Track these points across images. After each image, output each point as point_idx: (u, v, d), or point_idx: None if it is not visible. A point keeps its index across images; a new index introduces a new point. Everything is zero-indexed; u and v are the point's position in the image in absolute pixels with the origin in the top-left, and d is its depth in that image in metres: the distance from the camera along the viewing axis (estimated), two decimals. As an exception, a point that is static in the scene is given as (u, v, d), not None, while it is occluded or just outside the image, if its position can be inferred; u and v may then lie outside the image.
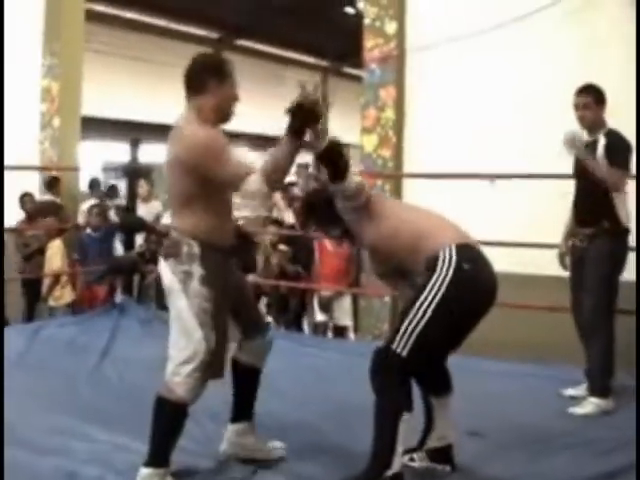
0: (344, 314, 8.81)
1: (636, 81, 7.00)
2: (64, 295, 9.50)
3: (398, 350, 3.86)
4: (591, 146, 5.64)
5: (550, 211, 6.69)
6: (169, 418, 3.96)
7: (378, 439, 3.91)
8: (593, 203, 5.67)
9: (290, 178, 12.07)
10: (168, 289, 3.99)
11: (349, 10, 21.01)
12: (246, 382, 4.42)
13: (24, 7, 11.07)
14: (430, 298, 3.87)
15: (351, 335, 8.85)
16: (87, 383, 5.99)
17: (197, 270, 3.90)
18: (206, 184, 3.86)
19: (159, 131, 19.36)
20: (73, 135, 11.13)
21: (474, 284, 3.96)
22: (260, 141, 22.85)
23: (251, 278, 9.21)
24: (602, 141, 5.61)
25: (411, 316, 3.88)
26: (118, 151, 14.54)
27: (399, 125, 8.35)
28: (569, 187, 5.95)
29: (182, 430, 4.02)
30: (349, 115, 20.89)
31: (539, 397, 5.82)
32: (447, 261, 3.91)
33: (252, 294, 4.75)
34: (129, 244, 8.81)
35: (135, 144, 8.49)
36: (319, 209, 4.44)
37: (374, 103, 8.45)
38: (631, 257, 5.96)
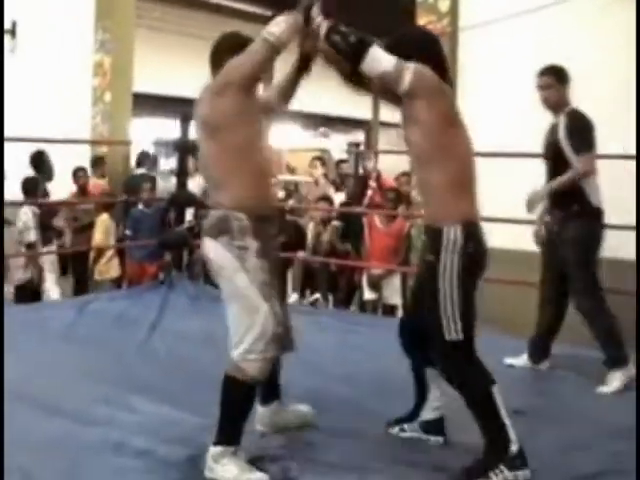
0: (393, 293, 8.78)
1: (636, 81, 6.96)
2: (109, 270, 9.56)
3: (454, 337, 3.83)
4: (554, 128, 5.66)
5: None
6: (241, 398, 3.90)
7: (485, 426, 3.86)
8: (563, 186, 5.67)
9: (340, 155, 12.10)
10: (220, 267, 3.91)
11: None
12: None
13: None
14: (449, 283, 3.82)
15: (400, 314, 8.82)
16: (135, 356, 5.97)
17: (252, 244, 3.84)
18: (232, 127, 3.85)
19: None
20: (124, 110, 11.20)
21: (478, 259, 3.95)
22: (312, 120, 22.85)
23: (300, 255, 9.25)
24: (562, 122, 5.61)
25: (443, 303, 3.83)
26: (169, 128, 14.55)
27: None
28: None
29: (252, 408, 4.00)
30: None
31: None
32: (452, 243, 3.84)
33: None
34: (179, 219, 8.81)
35: (186, 120, 8.46)
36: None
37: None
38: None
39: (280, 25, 3.89)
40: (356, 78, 4.08)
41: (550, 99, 5.74)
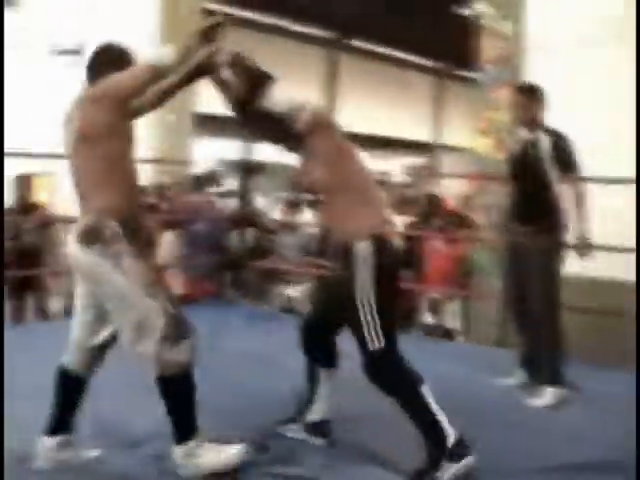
0: (453, 317, 8.72)
1: (636, 82, 7.12)
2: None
3: (377, 345, 4.04)
4: (531, 143, 5.77)
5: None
6: (181, 389, 3.95)
7: (420, 424, 4.02)
8: (531, 203, 5.79)
9: (400, 178, 12.08)
10: (92, 272, 3.91)
11: (463, 10, 20.82)
12: None
13: (140, 5, 11.25)
14: (366, 296, 4.03)
15: (460, 338, 8.75)
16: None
17: (125, 248, 3.86)
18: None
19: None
20: (186, 131, 11.26)
21: (389, 270, 4.15)
22: (372, 142, 22.85)
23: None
24: (545, 140, 5.72)
25: (362, 313, 4.04)
26: (231, 149, 14.66)
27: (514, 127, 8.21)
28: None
29: (195, 391, 4.02)
30: (465, 117, 20.78)
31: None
32: (363, 258, 4.07)
33: None
34: (240, 239, 8.85)
35: (249, 141, 8.52)
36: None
37: (488, 105, 8.34)
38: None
39: (169, 52, 4.00)
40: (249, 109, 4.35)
41: (522, 117, 5.93)
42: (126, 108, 4.00)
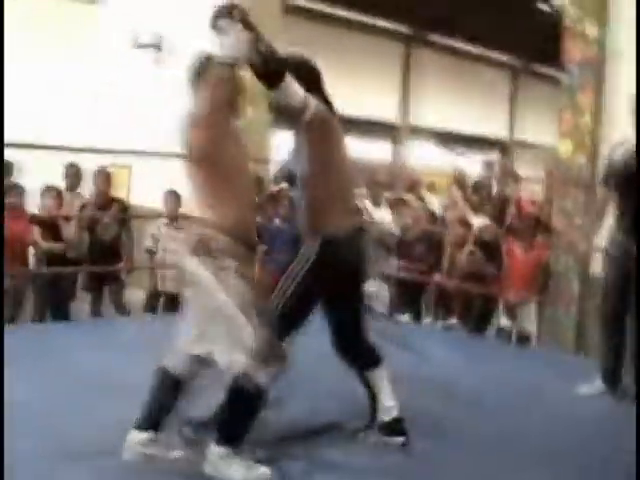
0: (529, 321, 8.65)
1: (636, 82, 7.07)
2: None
3: None
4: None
5: None
6: (247, 404, 3.99)
7: None
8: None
9: (476, 177, 11.96)
10: (197, 283, 4.01)
11: (544, 7, 20.59)
12: None
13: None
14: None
15: (533, 343, 8.68)
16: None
17: (231, 264, 3.94)
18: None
19: (352, 125, 19.27)
20: (265, 126, 11.25)
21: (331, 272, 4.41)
22: (446, 138, 22.72)
23: (436, 277, 9.17)
24: None
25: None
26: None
27: (596, 132, 8.13)
28: None
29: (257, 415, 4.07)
30: (541, 115, 20.60)
31: None
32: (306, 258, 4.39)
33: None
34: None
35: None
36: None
37: (571, 108, 8.25)
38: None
39: (231, 43, 4.01)
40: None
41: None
42: (227, 119, 4.06)
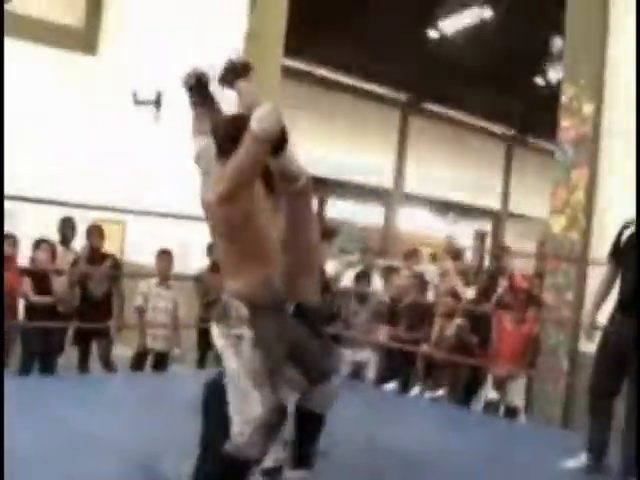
0: (517, 395, 8.63)
1: (636, 81, 7.23)
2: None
3: None
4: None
5: None
6: (232, 473, 3.98)
7: None
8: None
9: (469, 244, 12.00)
10: (219, 351, 4.05)
11: (538, 81, 20.87)
12: (309, 428, 4.47)
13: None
14: None
15: (522, 417, 8.65)
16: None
17: (247, 333, 3.94)
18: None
19: (347, 189, 19.39)
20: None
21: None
22: (443, 206, 22.84)
23: (424, 348, 9.16)
24: None
25: None
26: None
27: (589, 209, 8.18)
28: None
29: None
30: (535, 188, 20.74)
31: None
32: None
33: (310, 339, 4.62)
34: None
35: (321, 202, 8.56)
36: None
37: (565, 184, 8.31)
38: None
39: (268, 118, 3.92)
40: None
41: None
42: (251, 190, 4.00)
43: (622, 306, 5.89)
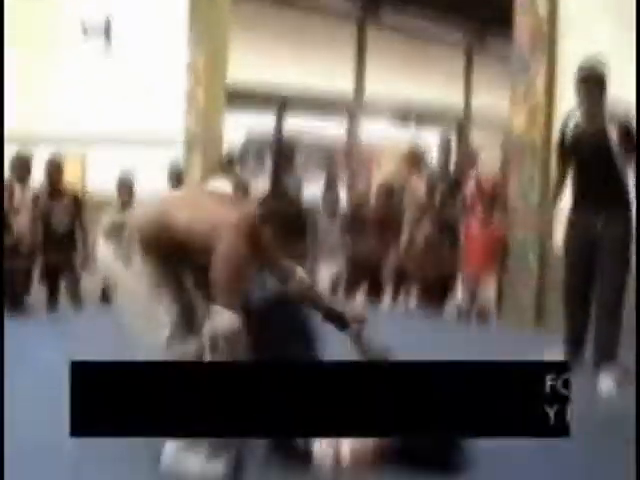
0: (488, 298, 8.65)
1: (636, 78, 7.12)
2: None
3: None
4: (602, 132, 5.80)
5: None
6: None
7: None
8: (604, 191, 5.87)
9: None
10: None
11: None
12: None
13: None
14: None
15: (493, 320, 8.67)
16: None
17: None
18: None
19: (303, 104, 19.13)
20: (218, 110, 11.16)
21: None
22: (402, 113, 22.62)
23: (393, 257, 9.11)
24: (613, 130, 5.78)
25: None
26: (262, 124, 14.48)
27: (549, 108, 8.11)
28: None
29: None
30: (495, 90, 20.56)
31: None
32: None
33: None
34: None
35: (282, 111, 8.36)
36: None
37: (524, 84, 8.23)
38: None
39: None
40: None
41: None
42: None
43: (582, 197, 5.94)
